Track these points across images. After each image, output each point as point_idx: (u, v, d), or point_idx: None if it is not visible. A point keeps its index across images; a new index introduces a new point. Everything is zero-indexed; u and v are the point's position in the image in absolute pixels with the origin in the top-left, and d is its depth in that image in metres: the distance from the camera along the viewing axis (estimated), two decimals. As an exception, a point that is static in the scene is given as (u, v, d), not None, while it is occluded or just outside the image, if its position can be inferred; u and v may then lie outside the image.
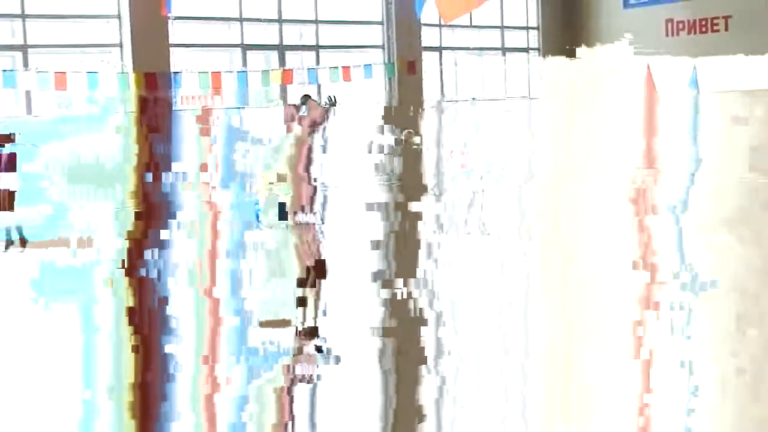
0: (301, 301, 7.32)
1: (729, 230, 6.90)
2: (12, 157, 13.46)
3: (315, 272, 7.29)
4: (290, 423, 5.78)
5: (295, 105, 8.01)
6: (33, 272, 9.75)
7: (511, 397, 6.13)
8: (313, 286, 7.36)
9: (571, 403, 5.87)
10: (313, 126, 7.03)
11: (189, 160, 12.41)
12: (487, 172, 12.62)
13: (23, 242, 13.22)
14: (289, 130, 6.94)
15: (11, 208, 13.22)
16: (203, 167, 6.66)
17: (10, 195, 13.23)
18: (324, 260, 7.25)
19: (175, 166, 10.16)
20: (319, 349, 6.90)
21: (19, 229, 13.42)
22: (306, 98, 12.31)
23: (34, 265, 10.25)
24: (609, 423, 5.52)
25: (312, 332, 7.42)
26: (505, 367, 6.70)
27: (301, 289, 7.21)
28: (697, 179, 7.40)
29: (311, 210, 7.27)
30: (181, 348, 7.18)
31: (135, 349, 6.95)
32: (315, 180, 7.41)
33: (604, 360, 6.73)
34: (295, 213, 7.31)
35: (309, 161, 7.37)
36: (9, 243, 13.28)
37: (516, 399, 6.11)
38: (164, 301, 7.66)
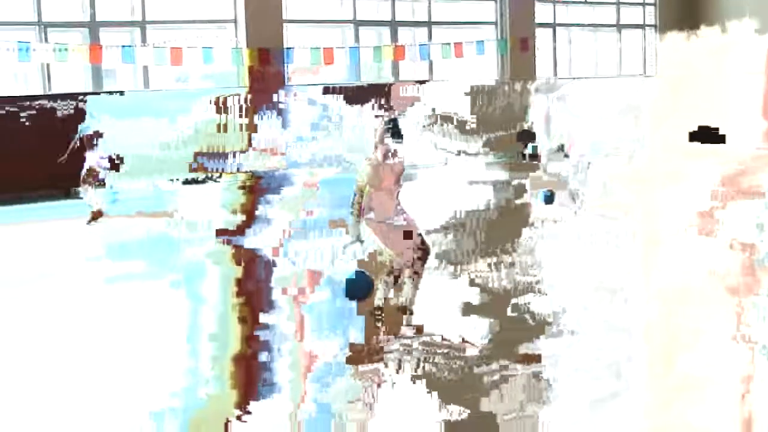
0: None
1: None
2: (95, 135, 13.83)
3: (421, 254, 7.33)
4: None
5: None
6: (141, 244, 10.03)
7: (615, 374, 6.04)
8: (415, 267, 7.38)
9: (673, 387, 5.75)
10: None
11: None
12: (593, 151, 12.42)
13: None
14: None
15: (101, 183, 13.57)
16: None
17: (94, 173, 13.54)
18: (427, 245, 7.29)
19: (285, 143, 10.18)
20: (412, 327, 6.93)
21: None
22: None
23: (143, 237, 10.54)
24: (712, 407, 5.38)
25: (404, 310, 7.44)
26: (608, 343, 6.62)
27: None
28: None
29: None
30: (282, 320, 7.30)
31: (241, 320, 7.09)
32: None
33: (706, 343, 6.59)
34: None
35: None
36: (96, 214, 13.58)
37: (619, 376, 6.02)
38: (269, 273, 7.80)
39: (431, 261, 7.85)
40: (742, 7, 21.74)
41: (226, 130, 16.31)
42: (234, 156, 16.41)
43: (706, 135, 18.91)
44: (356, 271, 7.61)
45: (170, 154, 15.60)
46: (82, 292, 8.91)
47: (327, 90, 17.41)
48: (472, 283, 8.77)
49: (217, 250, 10.59)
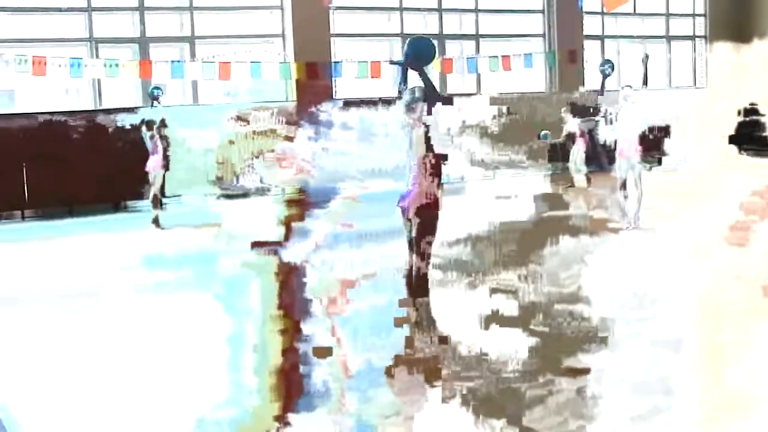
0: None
1: None
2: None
3: None
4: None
5: None
6: (186, 256, 10.13)
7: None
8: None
9: (719, 403, 5.67)
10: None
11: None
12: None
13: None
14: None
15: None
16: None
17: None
18: None
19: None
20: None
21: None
22: None
23: (188, 249, 10.65)
24: (759, 424, 5.30)
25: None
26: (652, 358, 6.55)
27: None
28: None
29: None
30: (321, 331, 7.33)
31: (282, 332, 7.12)
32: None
33: (754, 357, 6.51)
34: None
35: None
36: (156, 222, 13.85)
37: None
38: (305, 285, 7.84)
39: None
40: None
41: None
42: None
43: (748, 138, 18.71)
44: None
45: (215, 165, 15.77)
46: (127, 302, 9.02)
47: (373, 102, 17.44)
48: (508, 293, 8.75)
49: (256, 262, 10.64)
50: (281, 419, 5.61)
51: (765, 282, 9.08)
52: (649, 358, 6.63)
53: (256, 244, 10.62)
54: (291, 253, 9.55)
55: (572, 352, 6.77)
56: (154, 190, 14.01)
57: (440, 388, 6.07)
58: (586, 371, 6.31)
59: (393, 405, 5.77)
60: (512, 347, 6.99)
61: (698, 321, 7.69)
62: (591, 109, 16.55)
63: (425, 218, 7.53)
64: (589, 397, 5.85)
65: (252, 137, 16.33)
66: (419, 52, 8.14)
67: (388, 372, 6.44)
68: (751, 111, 18.76)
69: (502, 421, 5.44)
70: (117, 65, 16.36)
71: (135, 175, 15.59)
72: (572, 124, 16.47)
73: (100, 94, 16.86)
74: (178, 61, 17.12)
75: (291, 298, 8.49)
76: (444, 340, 7.21)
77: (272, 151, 14.35)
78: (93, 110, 16.59)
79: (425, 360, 6.76)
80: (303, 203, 13.92)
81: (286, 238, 10.52)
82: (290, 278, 9.08)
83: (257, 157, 15.30)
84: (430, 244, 7.60)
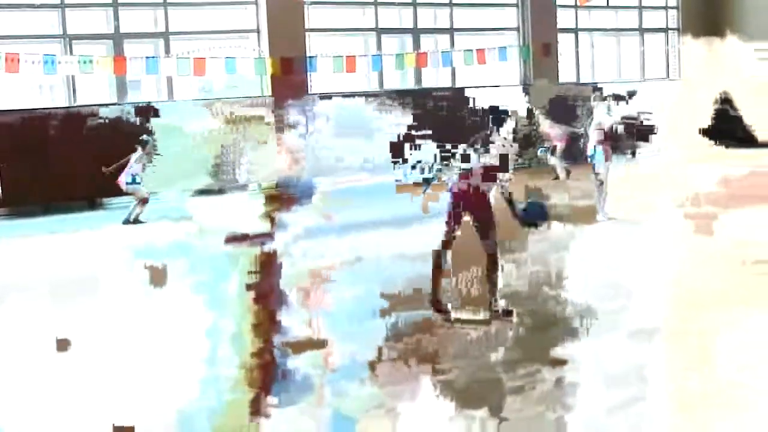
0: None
1: None
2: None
3: None
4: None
5: None
6: (163, 249, 10.14)
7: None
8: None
9: (695, 391, 5.74)
10: None
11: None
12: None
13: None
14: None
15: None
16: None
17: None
18: None
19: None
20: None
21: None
22: None
23: (165, 243, 10.65)
24: (736, 412, 5.37)
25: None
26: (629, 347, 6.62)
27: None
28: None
29: None
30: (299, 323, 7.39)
31: (258, 324, 7.18)
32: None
33: (730, 346, 6.58)
34: None
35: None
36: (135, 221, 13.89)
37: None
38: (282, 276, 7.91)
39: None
40: (766, 8, 21.66)
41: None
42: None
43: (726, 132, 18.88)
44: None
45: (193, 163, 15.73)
46: (108, 298, 9.02)
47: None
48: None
49: (233, 255, 10.68)
50: (259, 411, 5.64)
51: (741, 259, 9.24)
52: (625, 348, 6.71)
53: (232, 239, 10.73)
54: (272, 245, 9.65)
55: (550, 342, 6.84)
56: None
57: (421, 378, 6.11)
58: (563, 362, 6.37)
59: (375, 397, 5.81)
60: (490, 338, 7.05)
61: (671, 310, 7.78)
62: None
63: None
64: (566, 387, 5.90)
65: (237, 128, 16.32)
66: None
67: (371, 364, 6.48)
68: (725, 101, 18.92)
69: (480, 411, 5.49)
70: (91, 62, 16.28)
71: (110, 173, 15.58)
72: (546, 125, 16.66)
73: (74, 91, 16.78)
74: (153, 57, 17.05)
75: (269, 290, 8.56)
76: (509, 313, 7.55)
77: (265, 142, 14.42)
78: (67, 107, 16.50)
79: (409, 350, 6.80)
80: (283, 198, 14.04)
81: (269, 230, 10.64)
82: (269, 270, 9.17)
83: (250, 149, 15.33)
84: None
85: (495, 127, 7.90)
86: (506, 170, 7.75)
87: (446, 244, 7.84)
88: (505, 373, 6.18)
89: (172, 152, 15.03)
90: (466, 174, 7.76)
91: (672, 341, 6.95)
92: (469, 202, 7.73)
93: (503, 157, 7.75)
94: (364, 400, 5.73)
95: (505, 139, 7.87)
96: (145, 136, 14.53)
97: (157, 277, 9.74)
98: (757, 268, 9.05)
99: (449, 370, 6.25)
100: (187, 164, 15.44)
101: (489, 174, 7.72)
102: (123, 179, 14.22)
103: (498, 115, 7.96)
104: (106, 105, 16.69)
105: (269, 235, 11.67)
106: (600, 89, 13.02)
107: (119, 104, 16.72)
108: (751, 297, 7.93)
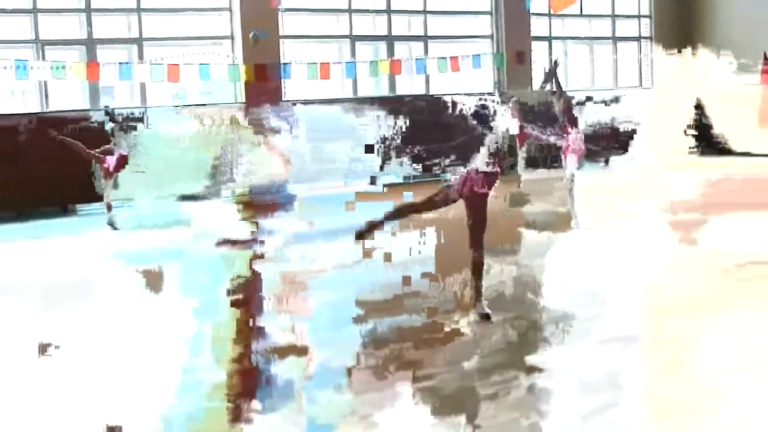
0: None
1: None
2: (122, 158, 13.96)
3: None
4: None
5: None
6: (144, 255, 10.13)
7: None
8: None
9: (671, 398, 5.76)
10: None
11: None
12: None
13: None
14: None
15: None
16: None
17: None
18: None
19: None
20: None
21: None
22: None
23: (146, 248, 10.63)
24: (711, 419, 5.39)
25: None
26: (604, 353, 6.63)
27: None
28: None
29: None
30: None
31: (239, 329, 7.18)
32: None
33: (704, 353, 6.61)
34: None
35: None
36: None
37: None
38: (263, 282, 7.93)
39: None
40: (738, 17, 21.87)
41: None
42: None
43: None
44: None
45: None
46: (86, 303, 8.97)
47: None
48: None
49: (215, 260, 10.71)
50: (240, 417, 5.62)
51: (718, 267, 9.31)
52: (600, 355, 6.73)
53: (224, 243, 10.84)
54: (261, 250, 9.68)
55: (527, 349, 6.85)
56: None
57: (397, 385, 6.10)
58: (538, 369, 6.38)
59: (351, 403, 5.80)
60: (465, 345, 7.06)
61: (646, 317, 7.81)
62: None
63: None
64: (541, 394, 5.91)
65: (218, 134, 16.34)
66: None
67: (349, 370, 6.47)
68: (698, 107, 19.08)
69: (454, 418, 5.49)
70: (64, 67, 16.19)
71: (83, 178, 15.48)
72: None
73: (46, 96, 16.66)
74: (126, 63, 16.99)
75: (252, 294, 8.60)
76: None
77: (259, 144, 14.41)
78: (40, 112, 16.38)
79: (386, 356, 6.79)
80: (262, 204, 14.13)
81: (248, 236, 10.69)
82: (254, 275, 9.21)
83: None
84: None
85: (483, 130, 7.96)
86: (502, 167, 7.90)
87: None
88: (480, 380, 6.18)
89: (144, 158, 14.99)
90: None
91: (647, 348, 6.98)
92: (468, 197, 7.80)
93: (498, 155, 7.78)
94: (342, 407, 5.72)
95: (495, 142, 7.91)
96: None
97: (145, 281, 9.72)
98: (734, 275, 9.11)
99: (430, 377, 6.23)
100: (159, 171, 15.38)
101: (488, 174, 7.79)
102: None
103: (484, 117, 8.03)
104: (80, 110, 16.59)
105: (258, 241, 11.81)
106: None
107: (91, 110, 16.62)
108: (727, 304, 7.98)
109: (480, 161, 7.80)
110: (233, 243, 11.87)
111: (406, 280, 9.21)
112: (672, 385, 5.97)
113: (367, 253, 10.21)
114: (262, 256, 10.87)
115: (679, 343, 6.94)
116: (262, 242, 11.73)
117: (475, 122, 8.24)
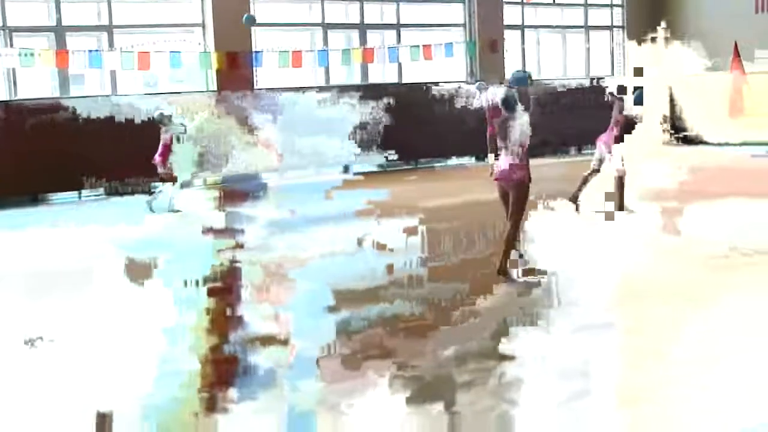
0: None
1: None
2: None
3: None
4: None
5: None
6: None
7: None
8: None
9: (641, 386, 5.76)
10: None
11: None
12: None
13: None
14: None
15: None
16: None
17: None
18: None
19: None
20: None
21: None
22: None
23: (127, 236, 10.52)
24: (681, 407, 5.41)
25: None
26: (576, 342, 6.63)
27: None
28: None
29: None
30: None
31: (216, 318, 7.15)
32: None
33: (676, 342, 6.62)
34: None
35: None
36: None
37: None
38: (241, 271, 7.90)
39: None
40: (709, 6, 21.98)
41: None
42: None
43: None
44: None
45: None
46: (62, 291, 8.89)
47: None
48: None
49: (196, 249, 10.67)
50: (216, 406, 5.58)
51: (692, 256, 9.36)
52: (576, 343, 6.73)
53: (209, 230, 10.88)
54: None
55: (502, 337, 6.84)
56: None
57: (374, 372, 6.07)
58: (513, 356, 6.37)
59: (327, 391, 5.77)
60: (442, 333, 7.05)
61: (624, 305, 7.82)
62: None
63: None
64: (516, 382, 5.89)
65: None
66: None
67: (325, 359, 6.44)
68: (669, 97, 19.14)
69: (431, 405, 5.46)
70: (32, 54, 16.01)
71: (53, 168, 15.37)
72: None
73: (15, 84, 16.47)
74: (96, 51, 16.82)
75: (233, 283, 8.59)
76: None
77: (249, 134, 14.38)
78: (8, 100, 16.21)
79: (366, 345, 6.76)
80: (236, 193, 14.17)
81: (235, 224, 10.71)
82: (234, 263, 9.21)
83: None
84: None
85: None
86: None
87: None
88: (456, 367, 6.16)
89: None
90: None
91: (622, 336, 6.98)
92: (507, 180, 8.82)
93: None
94: (317, 395, 5.69)
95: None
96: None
97: (127, 270, 9.64)
98: (711, 263, 9.16)
99: (408, 366, 6.21)
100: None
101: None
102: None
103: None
104: (49, 98, 16.45)
105: (240, 229, 11.82)
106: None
107: (61, 98, 16.48)
108: (702, 293, 8.02)
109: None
110: (217, 231, 11.88)
111: (389, 268, 9.23)
112: (643, 373, 5.97)
113: (359, 242, 10.29)
114: (242, 246, 10.85)
115: (654, 331, 6.95)
116: (244, 231, 11.74)
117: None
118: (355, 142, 18.66)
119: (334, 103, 18.70)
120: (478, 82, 17.55)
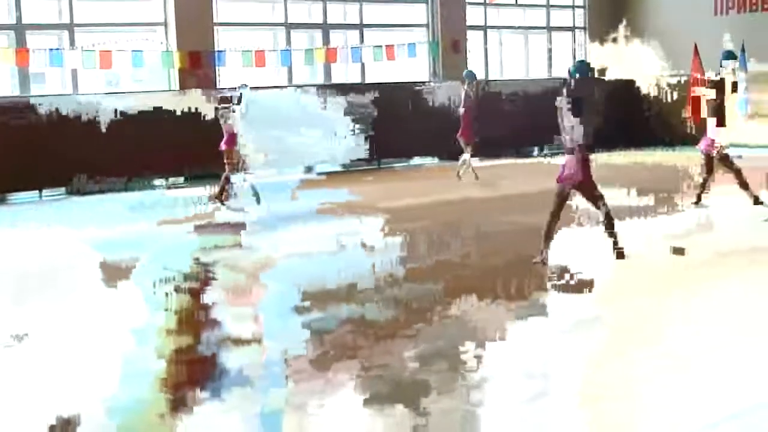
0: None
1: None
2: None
3: None
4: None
5: None
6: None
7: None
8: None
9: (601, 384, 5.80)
10: None
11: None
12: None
13: None
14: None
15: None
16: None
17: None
18: None
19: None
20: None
21: None
22: None
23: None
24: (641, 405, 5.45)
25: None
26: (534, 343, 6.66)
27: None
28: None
29: None
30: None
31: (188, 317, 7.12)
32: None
33: (638, 341, 6.67)
34: None
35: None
36: None
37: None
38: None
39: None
40: (669, 8, 22.20)
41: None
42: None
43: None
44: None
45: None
46: (38, 291, 8.81)
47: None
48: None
49: (172, 248, 10.63)
50: (186, 406, 5.55)
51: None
52: (542, 341, 6.77)
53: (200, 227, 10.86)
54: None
55: (470, 335, 6.86)
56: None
57: (340, 374, 6.06)
58: (479, 357, 6.40)
59: (294, 392, 5.76)
60: (407, 329, 7.05)
61: (597, 302, 7.87)
62: None
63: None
64: (481, 382, 5.91)
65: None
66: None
67: (293, 360, 6.42)
68: (631, 96, 19.34)
69: (395, 405, 5.47)
70: (-8, 53, 15.87)
71: (16, 167, 15.23)
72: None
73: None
74: (57, 49, 16.67)
75: (206, 284, 8.56)
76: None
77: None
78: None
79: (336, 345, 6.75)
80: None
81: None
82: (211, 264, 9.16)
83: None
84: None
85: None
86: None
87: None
88: (424, 366, 6.17)
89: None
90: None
91: (590, 334, 7.00)
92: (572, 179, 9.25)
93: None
94: (285, 396, 5.68)
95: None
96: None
97: (102, 270, 9.56)
98: (685, 261, 9.26)
99: (375, 366, 6.21)
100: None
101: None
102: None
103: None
104: (9, 97, 16.29)
105: (230, 225, 11.81)
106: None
107: (22, 96, 16.33)
108: (674, 289, 8.09)
109: None
110: (212, 227, 11.88)
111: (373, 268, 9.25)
112: (607, 371, 6.00)
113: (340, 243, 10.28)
114: (225, 243, 10.85)
115: (623, 329, 6.99)
116: (228, 227, 11.79)
117: None
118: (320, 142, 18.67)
119: (297, 103, 18.68)
120: (467, 71, 17.55)
